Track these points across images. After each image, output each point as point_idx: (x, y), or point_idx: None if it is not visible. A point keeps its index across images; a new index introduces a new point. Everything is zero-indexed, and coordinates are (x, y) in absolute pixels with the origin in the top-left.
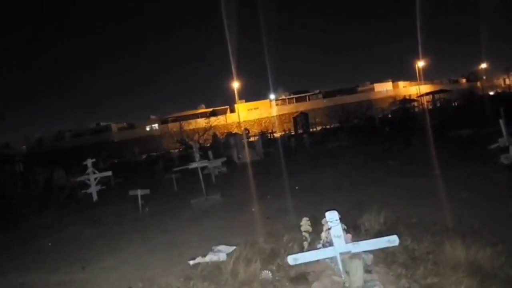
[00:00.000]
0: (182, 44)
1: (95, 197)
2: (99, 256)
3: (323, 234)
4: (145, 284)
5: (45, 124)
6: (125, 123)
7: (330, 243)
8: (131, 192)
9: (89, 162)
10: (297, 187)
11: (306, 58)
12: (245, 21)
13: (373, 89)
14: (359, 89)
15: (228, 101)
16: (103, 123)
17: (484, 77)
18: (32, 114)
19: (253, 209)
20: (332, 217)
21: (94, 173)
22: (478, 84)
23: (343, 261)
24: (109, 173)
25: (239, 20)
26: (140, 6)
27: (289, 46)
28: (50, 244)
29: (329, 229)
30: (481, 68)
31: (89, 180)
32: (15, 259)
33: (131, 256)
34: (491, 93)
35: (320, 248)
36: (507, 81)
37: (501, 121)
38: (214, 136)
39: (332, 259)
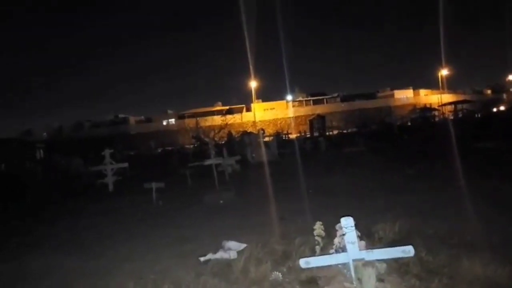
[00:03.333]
0: (201, 40)
1: (111, 187)
2: (113, 246)
3: (336, 240)
4: (157, 277)
5: (65, 113)
6: (142, 117)
7: (343, 249)
8: (146, 185)
9: (107, 152)
10: (311, 190)
11: (326, 60)
12: (265, 20)
13: (393, 95)
14: (379, 94)
15: (245, 100)
16: (121, 115)
17: (511, 89)
18: (53, 102)
19: (265, 209)
20: (347, 223)
21: (111, 163)
22: (504, 96)
23: (356, 268)
24: (126, 164)
25: (259, 19)
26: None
27: (309, 47)
28: (66, 231)
29: (343, 235)
30: (508, 80)
31: (106, 170)
32: (32, 243)
33: (143, 248)
34: None
35: (332, 253)
36: None
37: None
38: (229, 134)
39: (345, 265)
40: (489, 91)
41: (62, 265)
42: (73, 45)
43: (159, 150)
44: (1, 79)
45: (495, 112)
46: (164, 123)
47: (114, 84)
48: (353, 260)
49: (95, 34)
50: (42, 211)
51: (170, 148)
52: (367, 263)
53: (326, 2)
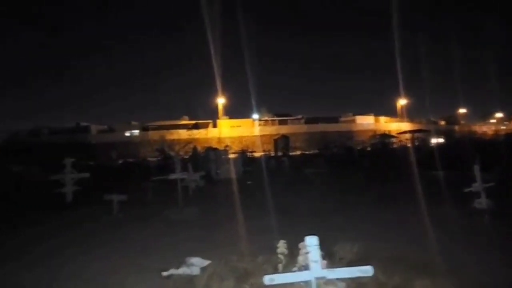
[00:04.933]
0: (169, 54)
1: (69, 197)
2: (68, 258)
3: (300, 258)
4: None
5: (21, 119)
6: (105, 126)
7: (306, 267)
8: (107, 196)
9: (68, 161)
10: (273, 209)
11: (292, 83)
12: (235, 39)
13: (354, 120)
14: (341, 119)
15: (211, 116)
16: (83, 124)
17: (462, 122)
18: (9, 107)
19: (229, 226)
20: (311, 242)
21: (72, 173)
22: (456, 127)
23: (317, 286)
24: (87, 174)
25: (228, 37)
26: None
27: (276, 69)
28: (14, 243)
29: (307, 253)
30: (460, 113)
31: (64, 179)
32: None
33: (102, 261)
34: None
35: (295, 271)
36: (484, 128)
37: (475, 167)
38: (194, 149)
39: (307, 283)
40: (443, 122)
41: (10, 277)
42: (35, 50)
43: (121, 162)
44: None
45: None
46: (127, 134)
47: (77, 93)
48: (316, 278)
49: (60, 40)
50: None
51: (132, 160)
52: (329, 282)
53: (297, 25)
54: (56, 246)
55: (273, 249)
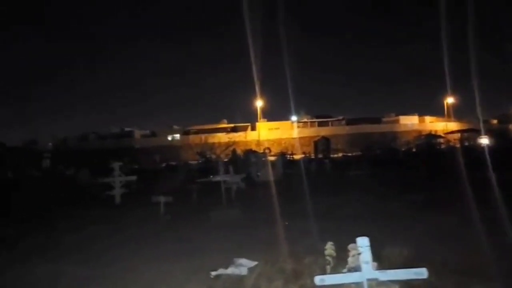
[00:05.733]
0: (207, 58)
1: (118, 199)
2: (120, 257)
3: (349, 259)
4: None
5: (69, 123)
6: (148, 131)
7: (356, 269)
8: (154, 199)
9: (116, 165)
10: (315, 211)
11: (332, 83)
12: (273, 42)
13: (398, 121)
14: (384, 119)
15: (250, 119)
16: (127, 129)
17: None
18: (58, 111)
19: (272, 228)
20: (363, 243)
21: (120, 176)
22: (510, 127)
23: (369, 287)
24: (134, 177)
25: (267, 39)
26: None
27: (316, 70)
28: (71, 240)
29: (358, 254)
30: None
31: (114, 182)
32: (38, 252)
33: (151, 260)
34: None
35: (345, 272)
36: None
37: None
38: (234, 152)
39: (358, 284)
40: (495, 121)
41: (69, 272)
42: (79, 57)
43: (164, 165)
44: (5, 87)
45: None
46: (169, 138)
47: (120, 97)
48: (367, 280)
49: (103, 46)
50: (48, 220)
51: (174, 163)
52: (381, 283)
53: (335, 27)
54: (107, 245)
55: (318, 251)
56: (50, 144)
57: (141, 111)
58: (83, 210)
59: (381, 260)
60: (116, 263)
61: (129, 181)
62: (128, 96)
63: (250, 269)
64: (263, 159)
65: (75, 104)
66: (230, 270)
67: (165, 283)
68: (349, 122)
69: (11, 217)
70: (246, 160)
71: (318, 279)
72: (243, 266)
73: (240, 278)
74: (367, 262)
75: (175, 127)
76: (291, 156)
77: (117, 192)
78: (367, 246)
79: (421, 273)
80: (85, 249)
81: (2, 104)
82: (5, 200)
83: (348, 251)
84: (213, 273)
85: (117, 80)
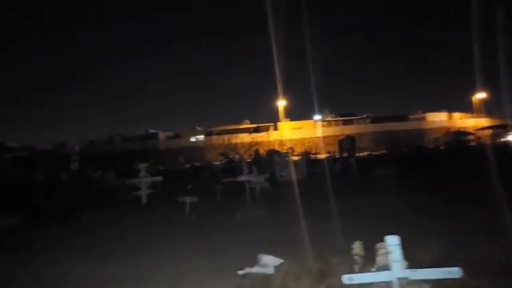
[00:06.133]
0: (229, 59)
1: (144, 200)
2: (146, 256)
3: (378, 258)
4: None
5: (94, 125)
6: (171, 132)
7: (385, 268)
8: (180, 199)
9: (142, 166)
10: (340, 211)
11: (356, 81)
12: (295, 40)
13: (425, 118)
14: (410, 117)
15: (272, 119)
16: (151, 131)
17: None
18: (83, 114)
19: (296, 227)
20: (392, 241)
21: (145, 177)
22: None
23: (399, 286)
24: (160, 178)
25: (289, 39)
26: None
27: (339, 67)
28: (100, 240)
29: (387, 253)
30: None
31: (140, 183)
32: (67, 252)
33: (178, 259)
34: None
35: (374, 272)
36: None
37: None
38: (257, 152)
39: (388, 283)
40: None
41: (96, 271)
42: (105, 62)
43: (188, 166)
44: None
45: None
46: (193, 139)
47: (144, 99)
48: (398, 279)
49: (126, 51)
50: (79, 221)
51: (198, 164)
52: (411, 283)
53: (358, 24)
54: (134, 245)
55: (344, 250)
56: (77, 147)
57: (165, 113)
58: (111, 211)
59: (411, 258)
60: (144, 262)
61: (155, 182)
62: (152, 98)
63: (276, 268)
64: (286, 158)
65: (101, 107)
66: (256, 269)
67: (191, 281)
68: (374, 120)
69: (45, 219)
70: (270, 160)
71: (346, 278)
72: (268, 264)
73: (266, 277)
74: (397, 261)
75: (198, 128)
76: (315, 156)
77: (144, 192)
78: (397, 245)
79: (454, 272)
80: (117, 248)
81: (31, 108)
82: (38, 202)
83: (376, 250)
84: (240, 272)
85: (142, 83)
